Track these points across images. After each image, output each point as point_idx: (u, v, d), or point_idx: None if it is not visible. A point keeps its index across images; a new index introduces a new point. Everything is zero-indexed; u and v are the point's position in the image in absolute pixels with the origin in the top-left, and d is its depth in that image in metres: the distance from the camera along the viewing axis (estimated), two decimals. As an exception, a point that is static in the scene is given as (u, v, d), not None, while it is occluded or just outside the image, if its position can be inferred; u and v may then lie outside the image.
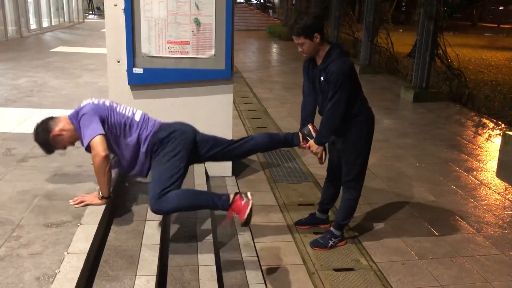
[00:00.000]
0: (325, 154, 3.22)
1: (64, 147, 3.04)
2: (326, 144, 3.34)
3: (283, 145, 3.31)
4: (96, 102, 2.95)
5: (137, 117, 3.00)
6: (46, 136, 2.92)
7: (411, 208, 4.12)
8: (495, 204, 4.26)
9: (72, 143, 3.00)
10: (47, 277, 2.16)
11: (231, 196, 2.81)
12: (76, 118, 2.89)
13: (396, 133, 6.47)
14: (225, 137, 3.19)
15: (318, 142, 3.14)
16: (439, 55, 8.64)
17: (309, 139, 3.20)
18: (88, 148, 2.79)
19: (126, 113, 2.99)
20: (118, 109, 2.99)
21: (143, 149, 2.93)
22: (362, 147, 3.20)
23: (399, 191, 4.48)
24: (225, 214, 2.90)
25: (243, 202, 2.77)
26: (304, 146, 3.22)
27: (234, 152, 3.13)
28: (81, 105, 2.95)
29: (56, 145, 2.98)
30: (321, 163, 3.25)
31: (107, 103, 2.98)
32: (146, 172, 3.02)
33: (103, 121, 2.86)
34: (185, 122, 3.12)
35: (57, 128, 2.90)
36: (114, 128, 2.90)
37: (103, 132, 2.80)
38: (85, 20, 23.50)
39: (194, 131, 3.05)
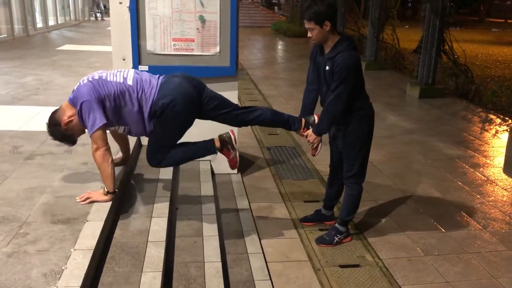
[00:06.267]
0: (320, 146, 3.24)
1: (82, 131, 3.02)
2: (327, 140, 3.35)
3: (283, 125, 3.31)
4: (86, 81, 2.89)
5: (129, 81, 2.94)
6: (59, 129, 2.93)
7: (417, 204, 4.10)
8: (502, 201, 4.24)
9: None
10: (54, 273, 2.18)
11: (217, 146, 3.12)
12: (74, 103, 2.87)
13: (402, 129, 6.44)
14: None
15: (317, 132, 3.16)
16: (445, 51, 8.59)
17: (310, 127, 3.23)
18: None
19: (118, 80, 2.93)
20: (109, 78, 2.92)
21: (146, 113, 2.94)
22: (363, 142, 3.20)
23: (405, 187, 4.47)
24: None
25: (231, 156, 3.15)
26: (303, 133, 3.25)
27: (238, 118, 3.18)
28: (76, 89, 2.91)
29: (73, 132, 2.98)
30: (314, 154, 3.28)
31: (96, 76, 2.92)
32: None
33: (102, 100, 2.84)
34: (190, 76, 3.09)
35: (65, 117, 2.91)
36: (112, 101, 2.87)
37: (103, 121, 2.80)
38: (91, 18, 23.58)
39: (197, 87, 3.03)
